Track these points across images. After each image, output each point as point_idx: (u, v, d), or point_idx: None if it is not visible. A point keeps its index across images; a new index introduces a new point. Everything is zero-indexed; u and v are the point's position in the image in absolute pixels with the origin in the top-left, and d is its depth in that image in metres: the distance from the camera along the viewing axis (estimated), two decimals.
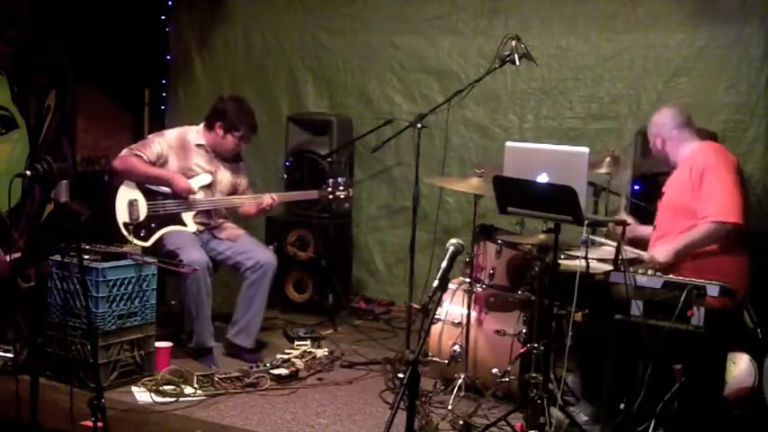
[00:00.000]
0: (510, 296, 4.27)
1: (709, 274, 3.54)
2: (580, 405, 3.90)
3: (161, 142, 4.75)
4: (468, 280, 4.29)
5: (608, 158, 4.48)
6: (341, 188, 4.91)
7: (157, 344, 4.37)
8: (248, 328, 4.69)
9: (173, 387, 4.12)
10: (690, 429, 3.34)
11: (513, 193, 3.56)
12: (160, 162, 4.72)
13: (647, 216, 4.27)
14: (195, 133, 4.84)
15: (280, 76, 6.29)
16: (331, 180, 4.95)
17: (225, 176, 4.87)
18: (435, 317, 4.26)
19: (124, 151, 4.71)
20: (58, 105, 5.73)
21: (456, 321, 4.30)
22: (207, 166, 4.80)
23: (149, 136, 4.92)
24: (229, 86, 6.31)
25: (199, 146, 4.81)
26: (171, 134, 4.84)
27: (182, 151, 4.76)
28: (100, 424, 3.16)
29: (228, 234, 4.83)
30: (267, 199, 4.82)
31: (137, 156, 4.66)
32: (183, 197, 4.67)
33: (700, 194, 3.80)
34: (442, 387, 4.23)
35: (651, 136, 4.13)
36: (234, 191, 4.91)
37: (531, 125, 5.57)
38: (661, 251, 3.82)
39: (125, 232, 4.56)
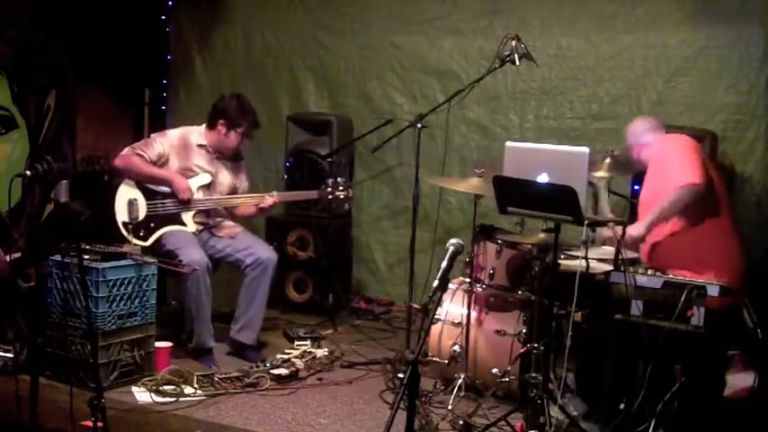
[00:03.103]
0: (510, 296, 4.27)
1: (704, 265, 3.56)
2: (573, 401, 3.90)
3: (163, 142, 4.75)
4: (468, 280, 4.29)
5: (608, 160, 4.47)
6: (340, 188, 4.90)
7: (157, 344, 4.37)
8: (251, 324, 4.70)
9: (173, 387, 4.11)
10: (690, 429, 3.34)
11: (513, 193, 3.56)
12: (161, 162, 4.72)
13: None
14: (197, 134, 4.83)
15: (280, 75, 6.29)
16: (330, 180, 4.94)
17: (225, 178, 4.86)
18: (435, 317, 4.26)
19: (126, 150, 4.71)
20: (58, 105, 5.73)
21: (456, 321, 4.29)
22: (208, 167, 4.80)
23: (152, 135, 4.91)
24: (229, 86, 6.29)
25: (200, 146, 4.80)
26: (173, 134, 4.84)
27: (183, 151, 4.76)
28: (100, 424, 3.16)
29: (227, 231, 4.83)
30: (268, 199, 4.82)
31: (138, 155, 4.66)
32: (182, 199, 4.67)
33: (663, 173, 3.92)
34: (442, 387, 4.22)
35: (630, 151, 4.24)
36: (233, 192, 4.90)
37: (531, 125, 5.57)
38: (634, 227, 3.92)
39: (124, 231, 4.57)
